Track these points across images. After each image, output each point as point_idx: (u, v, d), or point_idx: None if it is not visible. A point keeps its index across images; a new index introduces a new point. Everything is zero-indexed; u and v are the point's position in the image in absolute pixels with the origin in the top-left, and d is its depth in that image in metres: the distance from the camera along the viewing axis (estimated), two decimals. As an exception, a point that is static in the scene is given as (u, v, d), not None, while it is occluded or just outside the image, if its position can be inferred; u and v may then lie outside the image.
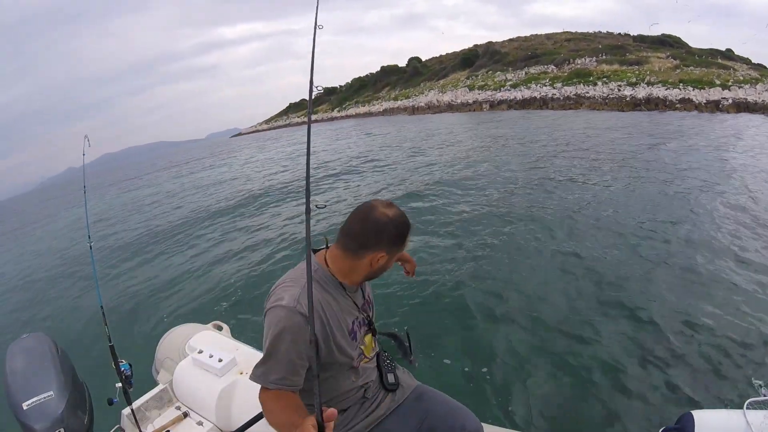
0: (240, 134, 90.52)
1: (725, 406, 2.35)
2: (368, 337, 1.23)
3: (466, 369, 2.99)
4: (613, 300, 3.79)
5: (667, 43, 36.77)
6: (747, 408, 1.29)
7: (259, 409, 1.54)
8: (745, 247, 4.80)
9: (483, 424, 1.46)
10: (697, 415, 1.31)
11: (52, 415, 1.20)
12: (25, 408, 1.19)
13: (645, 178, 7.75)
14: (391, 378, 1.27)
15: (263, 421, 1.50)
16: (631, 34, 42.99)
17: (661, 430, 1.45)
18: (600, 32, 47.24)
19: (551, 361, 2.97)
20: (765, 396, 1.36)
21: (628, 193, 7.02)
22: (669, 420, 2.25)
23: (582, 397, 2.63)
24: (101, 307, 1.78)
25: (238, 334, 2.31)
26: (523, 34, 52.71)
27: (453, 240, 5.40)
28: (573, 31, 49.29)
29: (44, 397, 1.23)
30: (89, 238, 2.10)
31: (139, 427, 1.57)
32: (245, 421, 1.52)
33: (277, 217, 7.80)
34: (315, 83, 1.22)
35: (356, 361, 1.16)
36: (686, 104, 19.23)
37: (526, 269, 4.47)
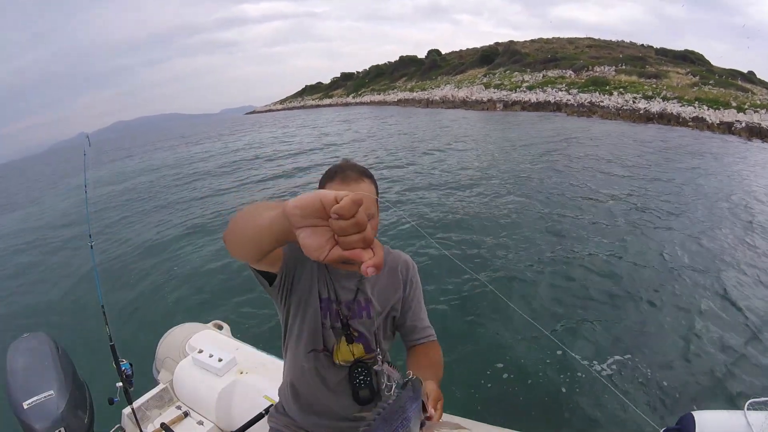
0: (254, 112, 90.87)
1: (726, 407, 2.35)
2: (342, 342, 1.08)
3: (466, 369, 2.99)
4: (613, 301, 3.79)
5: (689, 59, 36.53)
6: (748, 409, 1.28)
7: (259, 409, 1.54)
8: (747, 251, 4.80)
9: (482, 424, 1.46)
10: (698, 415, 1.31)
11: (52, 414, 1.20)
12: (25, 407, 1.20)
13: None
14: (363, 393, 1.10)
15: (263, 421, 1.49)
16: (654, 47, 42.85)
17: (661, 430, 1.45)
18: (623, 41, 47.23)
19: (551, 362, 2.97)
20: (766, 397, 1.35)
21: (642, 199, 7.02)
22: (669, 421, 2.25)
23: (583, 398, 2.63)
24: (102, 306, 1.78)
25: (238, 333, 2.31)
26: (545, 36, 52.59)
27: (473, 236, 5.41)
28: (596, 37, 49.07)
29: (45, 397, 1.23)
30: (90, 237, 2.10)
31: (139, 427, 1.57)
32: (245, 421, 1.52)
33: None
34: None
35: (319, 341, 1.07)
36: (699, 123, 19.05)
37: (525, 268, 4.47)
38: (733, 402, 2.51)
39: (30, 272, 7.19)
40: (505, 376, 2.89)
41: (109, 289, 5.27)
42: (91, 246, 2.08)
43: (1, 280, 7.07)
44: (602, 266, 4.51)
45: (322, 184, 1.04)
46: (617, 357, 3.00)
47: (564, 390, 2.71)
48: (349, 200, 0.46)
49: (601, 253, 4.84)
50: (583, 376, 2.82)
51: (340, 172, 1.01)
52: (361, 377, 1.09)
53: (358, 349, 1.09)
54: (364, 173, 1.03)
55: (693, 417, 1.30)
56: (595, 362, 2.95)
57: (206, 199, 10.07)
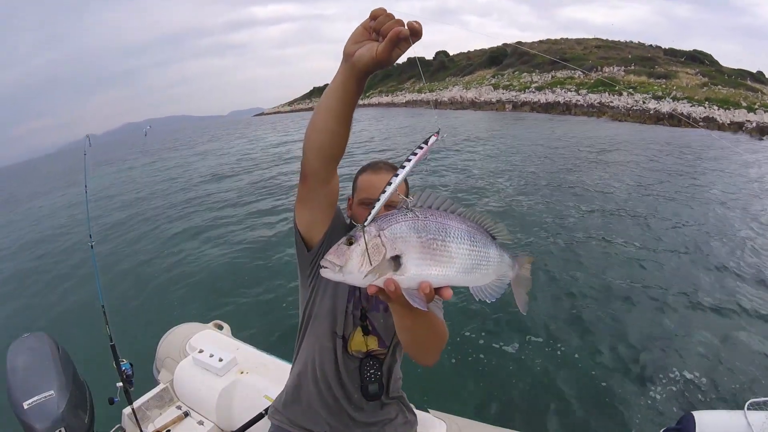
0: (262, 114, 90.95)
1: (726, 407, 2.35)
2: (358, 332, 1.10)
3: (463, 368, 2.99)
4: (616, 302, 3.78)
5: (698, 59, 36.51)
6: (748, 409, 1.28)
7: (259, 409, 1.53)
8: (749, 257, 4.80)
9: (481, 423, 1.46)
10: (698, 415, 1.31)
11: (52, 414, 1.20)
12: (25, 407, 1.20)
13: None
14: (372, 389, 1.12)
15: (263, 420, 1.49)
16: (663, 47, 42.77)
17: (662, 430, 1.45)
18: (631, 42, 47.25)
19: (553, 362, 2.97)
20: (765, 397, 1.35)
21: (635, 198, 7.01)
22: (670, 420, 2.25)
23: (584, 397, 2.63)
24: (102, 306, 1.78)
25: (238, 333, 2.31)
26: (553, 37, 52.54)
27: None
28: (604, 38, 49.04)
29: (45, 397, 1.23)
30: (90, 237, 2.10)
31: (139, 427, 1.56)
32: (246, 421, 1.52)
33: (280, 214, 7.79)
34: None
35: (339, 324, 1.09)
36: (709, 123, 18.99)
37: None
38: (732, 402, 2.51)
39: (30, 272, 7.19)
40: (501, 374, 2.89)
41: (110, 288, 5.27)
42: (92, 246, 2.08)
43: (2, 280, 7.08)
44: (600, 266, 4.50)
45: (356, 177, 1.16)
46: (617, 357, 2.99)
47: (564, 389, 2.70)
48: (375, 7, 0.65)
49: (604, 254, 4.84)
50: (583, 375, 2.82)
51: (372, 165, 1.15)
52: (372, 371, 1.11)
53: (372, 342, 1.10)
54: (393, 166, 1.13)
55: (693, 417, 1.30)
56: (595, 362, 2.94)
57: (213, 196, 10.05)
